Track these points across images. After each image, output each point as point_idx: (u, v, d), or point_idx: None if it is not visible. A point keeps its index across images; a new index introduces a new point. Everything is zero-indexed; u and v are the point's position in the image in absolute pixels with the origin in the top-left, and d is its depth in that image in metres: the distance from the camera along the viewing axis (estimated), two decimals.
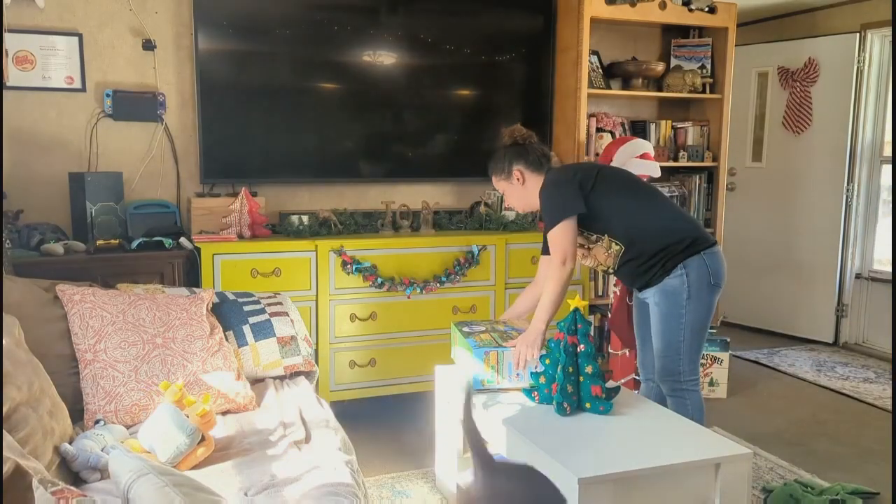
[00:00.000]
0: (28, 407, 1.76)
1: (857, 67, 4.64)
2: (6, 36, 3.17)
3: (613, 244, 2.54)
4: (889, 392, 3.96)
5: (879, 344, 4.69)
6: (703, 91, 4.32)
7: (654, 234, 2.48)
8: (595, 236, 2.57)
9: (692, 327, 2.48)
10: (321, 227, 3.41)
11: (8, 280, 2.28)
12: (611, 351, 3.76)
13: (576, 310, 2.25)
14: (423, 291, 3.44)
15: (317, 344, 3.30)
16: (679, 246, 2.46)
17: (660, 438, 2.06)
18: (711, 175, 4.51)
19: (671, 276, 2.46)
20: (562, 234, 2.44)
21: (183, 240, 3.19)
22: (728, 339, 3.86)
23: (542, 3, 4.04)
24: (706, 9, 4.05)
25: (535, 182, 2.59)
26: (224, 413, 2.27)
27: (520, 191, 2.62)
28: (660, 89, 4.36)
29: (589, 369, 2.21)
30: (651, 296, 2.54)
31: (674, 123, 4.48)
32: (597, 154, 4.10)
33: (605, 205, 2.49)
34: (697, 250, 2.47)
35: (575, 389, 2.23)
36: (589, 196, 2.47)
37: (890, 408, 3.71)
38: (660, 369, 2.55)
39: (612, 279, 3.78)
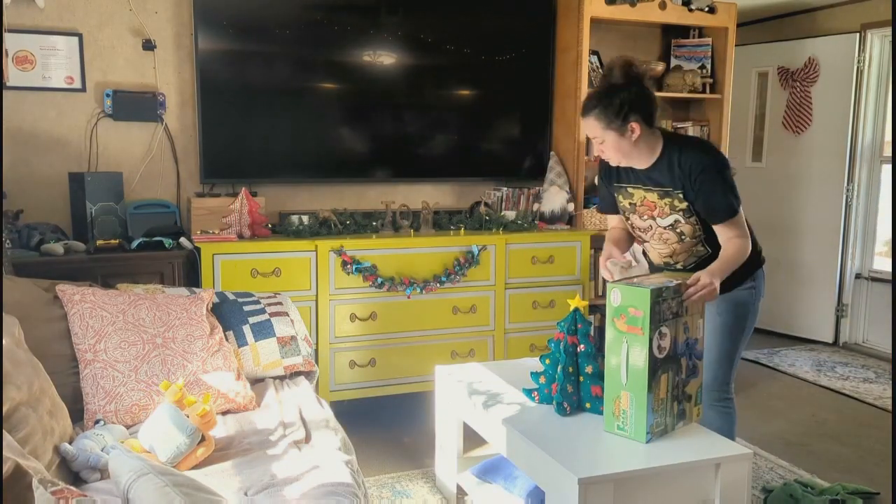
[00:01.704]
0: (28, 407, 1.76)
1: (857, 67, 4.64)
2: (6, 36, 3.17)
3: (700, 246, 2.36)
4: (889, 392, 3.96)
5: (879, 344, 4.69)
6: (703, 91, 4.32)
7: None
8: (701, 233, 2.34)
9: (747, 338, 2.44)
10: (321, 227, 3.41)
11: (8, 280, 2.28)
12: None
13: (576, 310, 2.25)
14: (423, 291, 3.44)
15: (317, 344, 3.30)
16: (753, 258, 2.35)
17: (660, 438, 2.06)
18: None
19: (742, 288, 2.36)
20: (744, 223, 2.26)
21: (183, 240, 3.19)
22: None
23: (542, 3, 4.04)
24: (706, 9, 4.05)
25: (647, 140, 2.25)
26: (224, 413, 2.27)
27: (628, 146, 2.23)
28: (660, 89, 4.36)
29: (589, 369, 2.20)
30: (713, 305, 2.35)
31: (674, 123, 4.48)
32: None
33: None
34: (762, 263, 2.44)
35: (575, 389, 2.23)
36: None
37: (890, 408, 3.71)
38: (710, 381, 2.41)
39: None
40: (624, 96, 2.19)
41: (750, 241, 2.28)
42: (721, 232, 2.27)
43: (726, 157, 2.41)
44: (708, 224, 2.30)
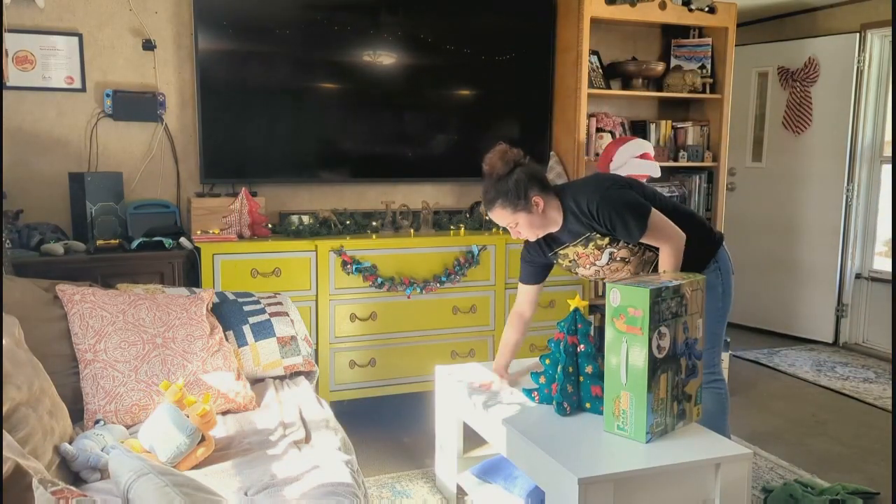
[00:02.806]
0: (28, 407, 1.76)
1: (857, 67, 4.64)
2: (6, 36, 3.17)
3: (647, 252, 2.44)
4: (889, 392, 3.96)
5: (879, 344, 4.69)
6: (703, 91, 4.32)
7: (691, 240, 2.41)
8: (639, 248, 2.43)
9: (725, 317, 2.56)
10: (321, 227, 3.41)
11: (8, 280, 2.28)
12: None
13: (576, 310, 2.25)
14: (423, 291, 3.44)
15: (317, 344, 3.30)
16: (708, 243, 2.50)
17: (660, 438, 2.06)
18: (711, 175, 4.50)
19: (707, 271, 2.47)
20: (661, 221, 2.33)
21: (183, 240, 3.19)
22: (728, 339, 3.86)
23: (542, 3, 4.05)
24: (706, 9, 4.05)
25: (551, 206, 2.38)
26: (224, 413, 2.27)
27: (539, 219, 2.37)
28: (660, 89, 4.36)
29: (589, 369, 2.21)
30: None
31: (674, 123, 4.48)
32: (597, 154, 4.10)
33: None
34: (718, 242, 2.56)
35: (575, 389, 2.23)
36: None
37: (890, 408, 3.71)
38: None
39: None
40: (516, 178, 2.33)
41: (679, 238, 2.34)
42: (650, 242, 2.36)
43: (612, 177, 2.51)
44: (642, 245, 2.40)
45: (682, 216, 2.44)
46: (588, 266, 2.50)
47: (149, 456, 1.86)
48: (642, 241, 2.35)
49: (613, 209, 2.30)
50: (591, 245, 2.42)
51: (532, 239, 2.45)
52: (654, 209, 2.34)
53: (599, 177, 2.57)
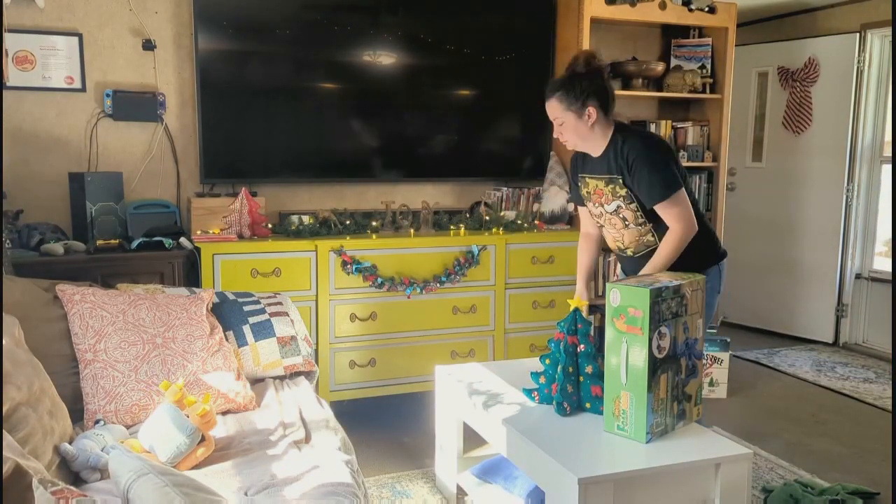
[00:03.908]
0: (28, 407, 1.76)
1: (857, 67, 4.64)
2: (6, 36, 3.17)
3: (650, 236, 2.48)
4: (889, 392, 3.96)
5: (879, 344, 4.69)
6: (703, 91, 4.32)
7: (696, 240, 2.42)
8: (643, 220, 2.45)
9: (704, 330, 2.48)
10: (321, 227, 3.41)
11: (8, 280, 2.28)
12: None
13: (576, 310, 2.25)
14: (423, 291, 3.44)
15: (317, 344, 3.30)
16: (705, 255, 2.49)
17: (660, 438, 2.06)
18: (711, 175, 4.51)
19: None
20: (681, 203, 2.36)
21: (183, 240, 3.19)
22: (728, 339, 3.86)
23: (542, 3, 4.05)
24: (706, 9, 4.05)
25: (602, 127, 2.42)
26: (224, 413, 2.27)
27: (585, 130, 2.40)
28: (660, 89, 4.36)
29: (589, 369, 2.21)
30: None
31: (674, 123, 4.48)
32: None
33: None
34: (718, 259, 2.54)
35: (575, 389, 2.23)
36: None
37: (890, 408, 3.71)
38: None
39: (612, 275, 3.78)
40: (585, 84, 2.38)
41: (690, 226, 2.37)
42: (663, 214, 2.39)
43: (668, 145, 2.52)
44: (652, 213, 2.41)
45: (700, 217, 2.46)
46: (597, 206, 2.53)
47: (149, 456, 1.86)
48: (657, 210, 2.37)
49: (647, 166, 2.34)
50: (610, 186, 2.44)
51: (569, 146, 2.48)
52: (683, 190, 2.37)
53: (657, 138, 2.56)
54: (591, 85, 2.38)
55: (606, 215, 2.51)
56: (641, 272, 2.42)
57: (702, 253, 2.47)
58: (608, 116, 2.43)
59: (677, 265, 2.41)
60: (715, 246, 2.57)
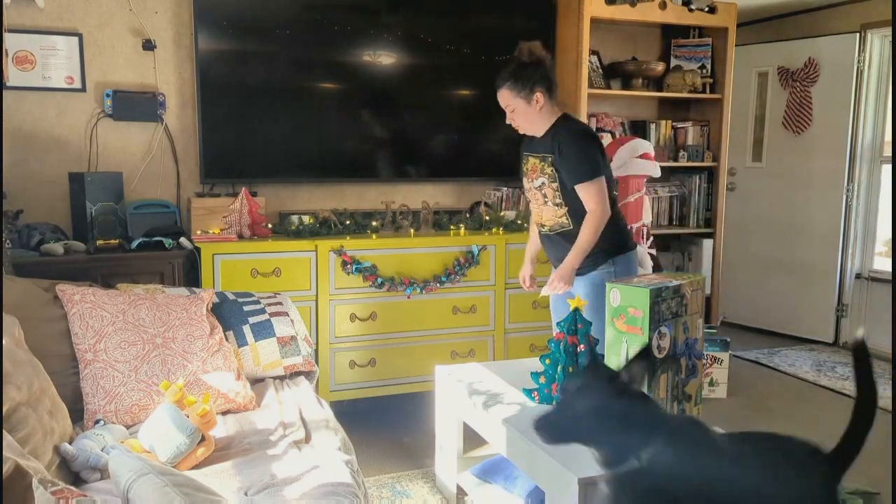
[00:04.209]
0: (28, 407, 1.76)
1: (857, 67, 4.64)
2: (6, 36, 3.17)
3: (564, 218, 2.66)
4: (889, 392, 3.96)
5: (879, 344, 4.69)
6: (703, 91, 4.32)
7: (607, 227, 2.63)
8: (560, 201, 2.64)
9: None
10: (321, 227, 3.41)
11: (8, 280, 2.28)
12: None
13: (576, 310, 2.25)
14: (423, 291, 3.44)
15: (317, 344, 3.30)
16: (615, 243, 2.68)
17: None
18: (711, 175, 4.51)
19: (599, 270, 2.66)
20: (601, 188, 2.57)
21: (183, 240, 3.19)
22: (728, 339, 3.86)
23: (542, 3, 4.05)
24: (706, 9, 4.05)
25: (548, 110, 2.63)
26: (224, 413, 2.27)
27: (533, 114, 2.62)
28: (660, 89, 4.36)
29: None
30: (577, 287, 2.69)
31: (674, 123, 4.49)
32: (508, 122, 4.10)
33: None
34: (627, 249, 2.73)
35: None
36: None
37: (890, 408, 3.71)
38: None
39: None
40: (531, 72, 2.58)
41: (605, 210, 2.58)
42: (582, 195, 2.59)
43: (601, 141, 2.73)
44: (572, 197, 2.61)
45: (614, 207, 2.70)
46: (528, 181, 2.75)
47: (149, 456, 1.86)
48: (578, 190, 2.57)
49: (577, 150, 2.57)
50: (541, 163, 2.66)
51: (520, 129, 2.69)
52: (604, 179, 2.59)
53: (592, 131, 2.83)
54: (536, 73, 2.58)
55: (532, 190, 2.72)
56: (571, 253, 2.62)
57: (611, 240, 2.65)
58: (553, 101, 2.64)
59: (589, 256, 2.62)
60: (626, 235, 2.77)
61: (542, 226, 2.76)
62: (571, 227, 2.65)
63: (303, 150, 3.71)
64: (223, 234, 3.29)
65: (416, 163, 3.93)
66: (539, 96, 2.59)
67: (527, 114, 2.63)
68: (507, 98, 2.63)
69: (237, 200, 3.32)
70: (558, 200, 2.65)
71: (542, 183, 2.66)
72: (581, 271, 2.66)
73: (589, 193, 2.57)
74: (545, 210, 2.71)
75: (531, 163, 2.72)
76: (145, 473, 1.47)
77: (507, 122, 2.69)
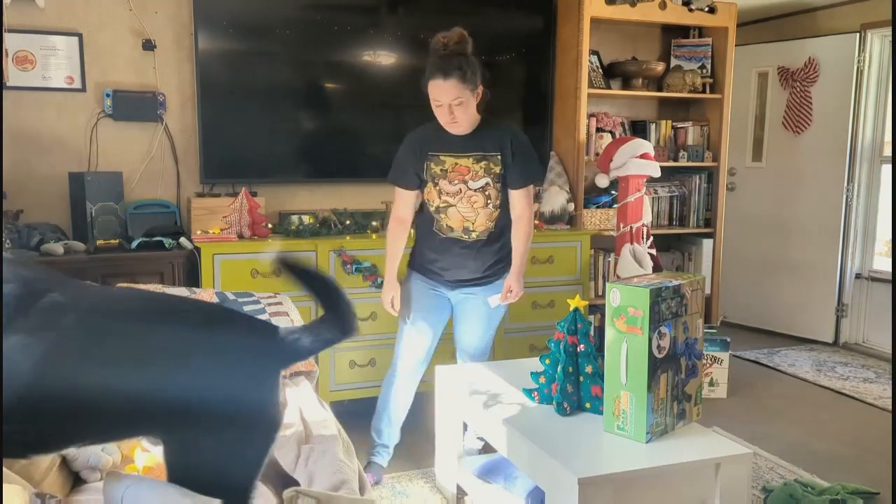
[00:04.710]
0: None
1: (857, 67, 4.64)
2: (6, 36, 3.17)
3: (491, 223, 2.62)
4: (889, 392, 3.96)
5: (879, 344, 4.69)
6: (703, 91, 4.32)
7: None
8: (498, 203, 2.60)
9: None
10: (321, 227, 3.41)
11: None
12: None
13: (576, 310, 2.25)
14: None
15: None
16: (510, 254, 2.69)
17: (659, 438, 2.06)
18: (711, 175, 4.51)
19: (502, 279, 2.69)
20: (530, 195, 2.62)
21: (183, 240, 3.19)
22: (728, 339, 3.86)
23: (542, 3, 4.05)
24: (706, 9, 4.06)
25: (478, 106, 2.54)
26: None
27: (472, 108, 2.49)
28: (660, 89, 4.36)
29: (589, 369, 2.21)
30: (479, 295, 2.70)
31: (674, 123, 4.49)
32: (597, 154, 4.10)
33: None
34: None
35: (575, 389, 2.23)
36: None
37: (890, 408, 3.71)
38: (482, 357, 2.86)
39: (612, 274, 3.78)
40: (474, 62, 2.44)
41: (531, 217, 2.63)
42: (521, 198, 2.59)
43: None
44: (504, 198, 2.60)
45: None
46: (457, 183, 2.56)
47: (149, 458, 1.86)
48: (518, 194, 2.57)
49: (530, 151, 2.57)
50: (484, 163, 2.54)
51: (459, 128, 2.50)
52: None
53: None
54: (478, 64, 2.45)
55: (468, 192, 2.56)
56: (519, 257, 2.63)
57: (506, 261, 2.69)
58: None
59: (478, 269, 2.65)
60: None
61: (472, 231, 2.62)
62: (496, 232, 2.63)
63: (303, 150, 3.71)
64: (223, 234, 3.29)
65: None
66: (481, 88, 2.48)
67: (469, 108, 2.46)
68: (456, 90, 2.40)
69: (237, 200, 3.32)
70: (498, 202, 2.59)
71: (487, 183, 2.56)
72: (485, 280, 2.67)
73: (528, 196, 2.57)
74: (482, 213, 2.59)
75: (451, 163, 2.56)
76: (140, 480, 1.47)
77: (445, 118, 2.47)
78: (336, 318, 1.51)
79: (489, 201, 2.59)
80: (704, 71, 4.34)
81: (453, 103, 2.43)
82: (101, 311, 1.38)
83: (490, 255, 2.65)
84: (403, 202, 2.69)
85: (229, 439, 1.34)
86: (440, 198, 2.61)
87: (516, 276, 2.65)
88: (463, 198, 2.58)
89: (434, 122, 2.55)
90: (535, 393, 2.33)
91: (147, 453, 1.90)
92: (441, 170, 2.58)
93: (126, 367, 1.31)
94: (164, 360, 1.33)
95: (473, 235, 2.63)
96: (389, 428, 2.86)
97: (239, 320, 1.51)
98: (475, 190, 2.56)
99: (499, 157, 2.53)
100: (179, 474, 1.33)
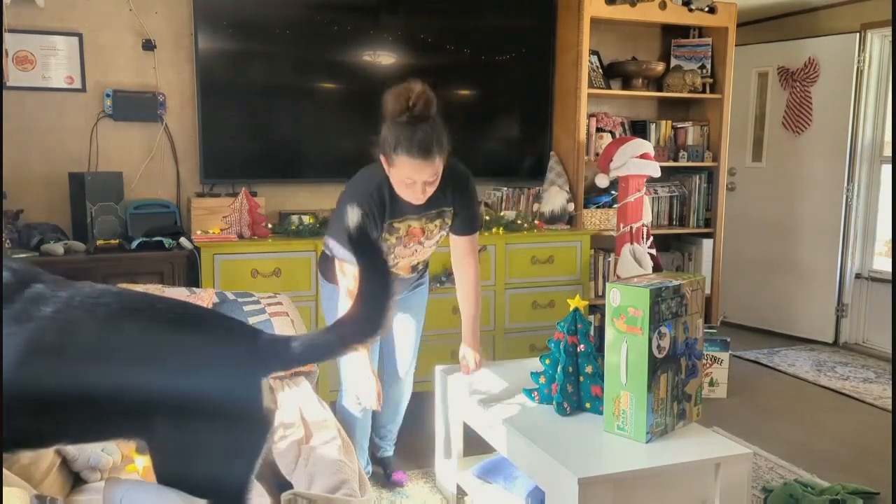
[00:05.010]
0: None
1: (857, 67, 4.64)
2: (6, 36, 3.17)
3: (427, 258, 2.54)
4: (889, 392, 3.96)
5: (879, 344, 4.69)
6: (703, 91, 4.32)
7: None
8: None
9: None
10: (321, 227, 3.41)
11: None
12: None
13: (576, 310, 2.25)
14: None
15: None
16: None
17: (659, 438, 2.06)
18: (711, 175, 4.51)
19: (425, 282, 2.68)
20: (475, 242, 2.44)
21: (183, 240, 3.19)
22: (728, 339, 3.86)
23: (542, 3, 4.05)
24: (706, 9, 4.06)
25: None
26: None
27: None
28: (660, 89, 4.36)
29: (589, 369, 2.21)
30: (418, 308, 2.67)
31: (674, 123, 4.49)
32: (597, 154, 4.10)
33: None
34: None
35: (575, 389, 2.23)
36: None
37: (890, 408, 3.71)
38: (410, 367, 2.76)
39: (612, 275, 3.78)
40: (441, 123, 2.11)
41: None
42: (468, 245, 2.40)
43: None
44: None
45: None
46: (412, 245, 2.33)
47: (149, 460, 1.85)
48: (466, 237, 2.39)
49: (476, 197, 2.37)
50: (439, 220, 2.31)
51: (423, 199, 2.16)
52: None
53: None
54: (442, 124, 2.12)
55: (424, 250, 2.40)
56: (466, 329, 2.52)
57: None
58: None
59: (413, 289, 2.60)
60: None
61: (416, 268, 2.51)
62: (427, 262, 2.56)
63: (303, 150, 3.71)
64: (223, 234, 3.29)
65: None
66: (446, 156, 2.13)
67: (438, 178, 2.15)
68: (434, 168, 2.09)
69: (237, 200, 3.32)
70: (438, 243, 2.44)
71: (441, 236, 2.40)
72: (415, 298, 2.63)
73: (475, 244, 2.39)
74: (428, 251, 2.45)
75: (405, 227, 2.29)
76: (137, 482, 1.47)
77: (414, 197, 2.14)
78: (364, 316, 1.42)
79: (433, 245, 2.44)
80: (704, 71, 4.34)
81: (428, 181, 2.11)
82: (78, 305, 1.37)
83: (414, 285, 2.60)
84: (355, 277, 2.15)
85: (211, 441, 1.34)
86: (392, 260, 2.38)
87: (472, 341, 2.43)
88: (410, 252, 2.39)
89: (383, 182, 2.22)
90: (535, 393, 2.33)
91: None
92: (397, 238, 2.30)
93: (99, 363, 1.31)
94: (136, 359, 1.33)
95: (419, 267, 2.56)
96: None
97: (218, 322, 1.49)
98: (432, 245, 2.41)
99: (451, 209, 2.32)
100: (167, 478, 1.33)
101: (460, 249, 2.41)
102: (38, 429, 1.31)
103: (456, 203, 2.32)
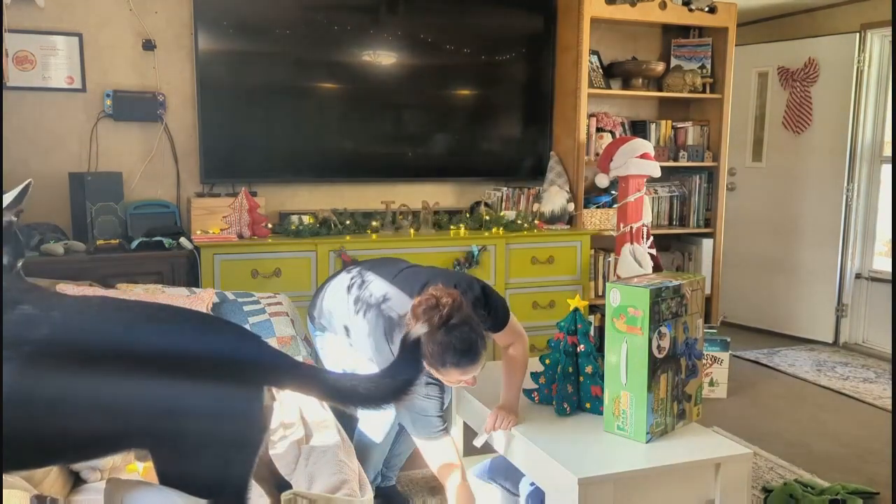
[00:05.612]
0: None
1: (857, 67, 4.64)
2: (6, 36, 3.17)
3: None
4: (889, 392, 3.96)
5: (879, 344, 4.69)
6: (703, 91, 4.32)
7: None
8: None
9: None
10: (321, 227, 3.41)
11: None
12: None
13: (576, 310, 2.25)
14: None
15: None
16: None
17: (659, 438, 2.06)
18: (711, 175, 4.51)
19: None
20: (513, 325, 2.28)
21: (183, 240, 3.19)
22: (728, 339, 3.86)
23: (542, 3, 4.05)
24: (706, 9, 4.05)
25: None
26: None
27: None
28: (660, 89, 4.36)
29: (589, 369, 2.21)
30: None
31: (674, 123, 4.49)
32: (597, 154, 4.10)
33: None
34: None
35: (575, 389, 2.23)
36: None
37: (890, 408, 3.71)
38: None
39: (611, 275, 3.78)
40: (478, 321, 2.05)
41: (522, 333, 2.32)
42: (501, 338, 2.29)
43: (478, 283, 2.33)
44: None
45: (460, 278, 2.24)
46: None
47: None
48: (499, 333, 2.24)
49: (492, 297, 2.21)
50: None
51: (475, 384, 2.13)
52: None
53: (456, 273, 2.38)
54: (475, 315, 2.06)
55: None
56: (518, 390, 2.27)
57: None
58: None
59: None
60: None
61: None
62: None
63: (303, 150, 3.71)
64: (223, 234, 3.29)
65: (415, 163, 3.93)
66: None
67: None
68: (484, 360, 2.06)
69: (237, 200, 3.32)
70: None
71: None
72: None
73: (513, 328, 2.28)
74: None
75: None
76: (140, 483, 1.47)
77: (461, 385, 2.11)
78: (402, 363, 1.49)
79: None
80: (704, 71, 4.34)
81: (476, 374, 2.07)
82: (73, 325, 1.35)
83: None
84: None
85: (212, 442, 1.34)
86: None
87: (516, 407, 2.23)
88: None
89: None
90: (535, 393, 2.33)
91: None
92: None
93: (102, 381, 1.29)
94: (141, 373, 1.32)
95: None
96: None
97: (225, 330, 1.49)
98: None
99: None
100: (169, 480, 1.33)
101: (501, 341, 2.30)
102: (36, 453, 1.30)
103: (479, 314, 2.13)
